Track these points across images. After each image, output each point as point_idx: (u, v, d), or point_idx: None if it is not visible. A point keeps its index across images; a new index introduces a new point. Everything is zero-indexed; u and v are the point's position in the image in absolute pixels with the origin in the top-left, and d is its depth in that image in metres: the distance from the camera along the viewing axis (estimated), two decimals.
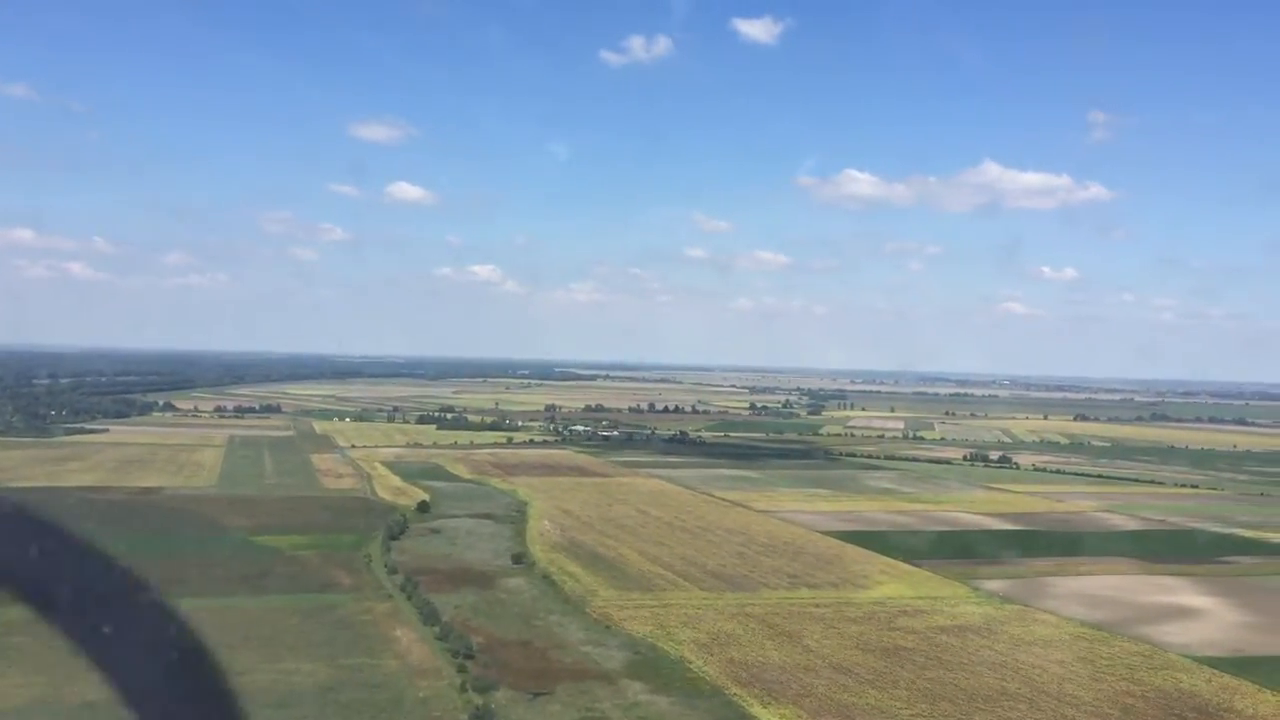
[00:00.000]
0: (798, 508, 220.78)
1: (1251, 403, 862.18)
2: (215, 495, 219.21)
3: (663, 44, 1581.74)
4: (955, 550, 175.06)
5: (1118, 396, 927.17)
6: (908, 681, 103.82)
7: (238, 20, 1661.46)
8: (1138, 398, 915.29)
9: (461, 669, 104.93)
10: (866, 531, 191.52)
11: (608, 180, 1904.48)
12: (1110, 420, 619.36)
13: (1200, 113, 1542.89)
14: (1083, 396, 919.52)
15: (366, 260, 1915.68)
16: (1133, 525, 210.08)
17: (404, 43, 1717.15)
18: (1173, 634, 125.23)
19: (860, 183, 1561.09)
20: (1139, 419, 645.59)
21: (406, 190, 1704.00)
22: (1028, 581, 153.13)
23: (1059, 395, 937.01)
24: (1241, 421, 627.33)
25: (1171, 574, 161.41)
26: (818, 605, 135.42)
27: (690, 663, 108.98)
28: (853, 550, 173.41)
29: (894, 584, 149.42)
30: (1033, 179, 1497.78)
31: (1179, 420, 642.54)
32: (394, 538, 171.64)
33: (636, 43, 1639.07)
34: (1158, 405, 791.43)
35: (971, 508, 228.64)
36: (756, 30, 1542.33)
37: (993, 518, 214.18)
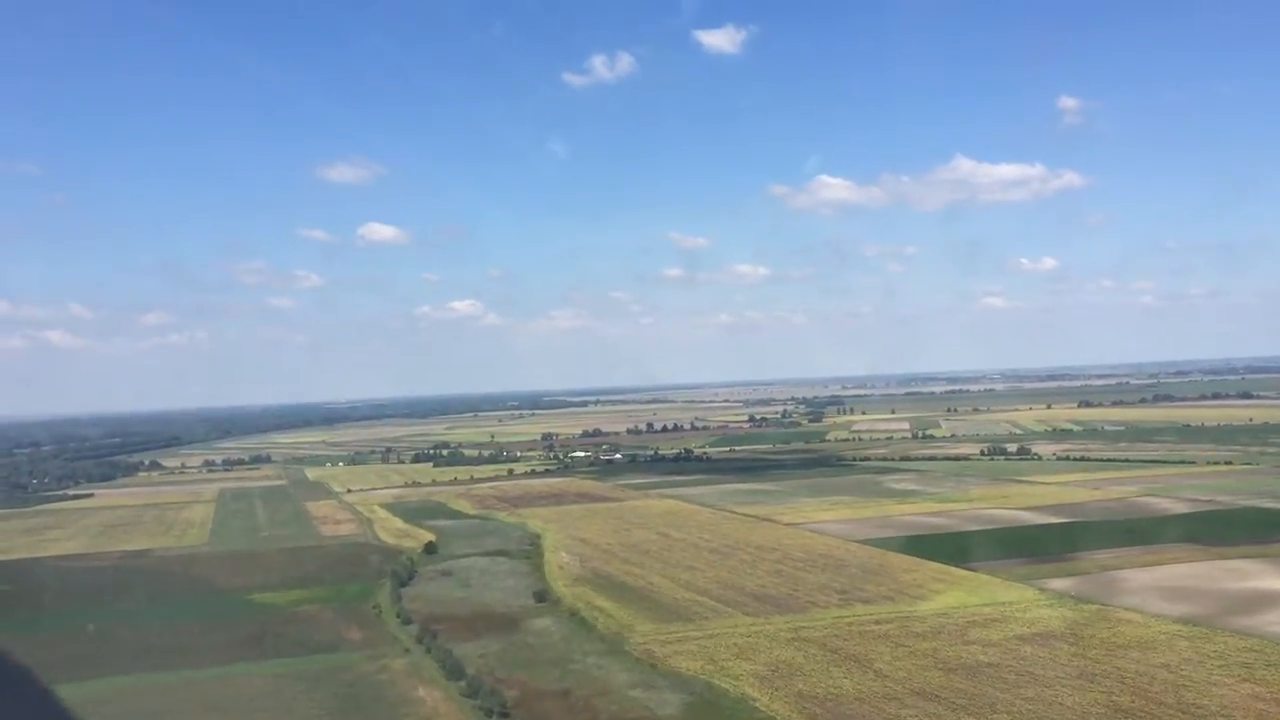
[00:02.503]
0: (825, 518, 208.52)
1: (1247, 376, 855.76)
2: (207, 554, 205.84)
3: (625, 61, 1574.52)
4: (1006, 549, 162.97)
5: (1113, 381, 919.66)
6: (1006, 705, 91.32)
7: (190, 69, 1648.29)
8: (1133, 381, 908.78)
9: None
10: (906, 537, 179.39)
11: (581, 205, 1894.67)
12: (1114, 404, 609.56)
13: (1170, 92, 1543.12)
14: (1078, 384, 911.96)
15: (344, 304, 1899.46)
16: (1182, 508, 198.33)
17: (364, 83, 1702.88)
18: (1273, 624, 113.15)
19: (833, 188, 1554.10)
20: (1142, 401, 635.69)
21: (379, 230, 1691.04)
22: (1095, 578, 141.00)
23: (1053, 385, 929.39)
24: (1246, 395, 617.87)
25: (1243, 557, 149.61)
26: (878, 622, 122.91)
27: (755, 701, 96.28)
28: (897, 559, 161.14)
29: (953, 592, 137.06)
30: (1006, 171, 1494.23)
31: (1182, 399, 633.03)
32: (403, 584, 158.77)
33: (598, 62, 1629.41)
34: (1155, 386, 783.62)
35: (1007, 503, 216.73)
36: (719, 40, 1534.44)
37: (1033, 512, 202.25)
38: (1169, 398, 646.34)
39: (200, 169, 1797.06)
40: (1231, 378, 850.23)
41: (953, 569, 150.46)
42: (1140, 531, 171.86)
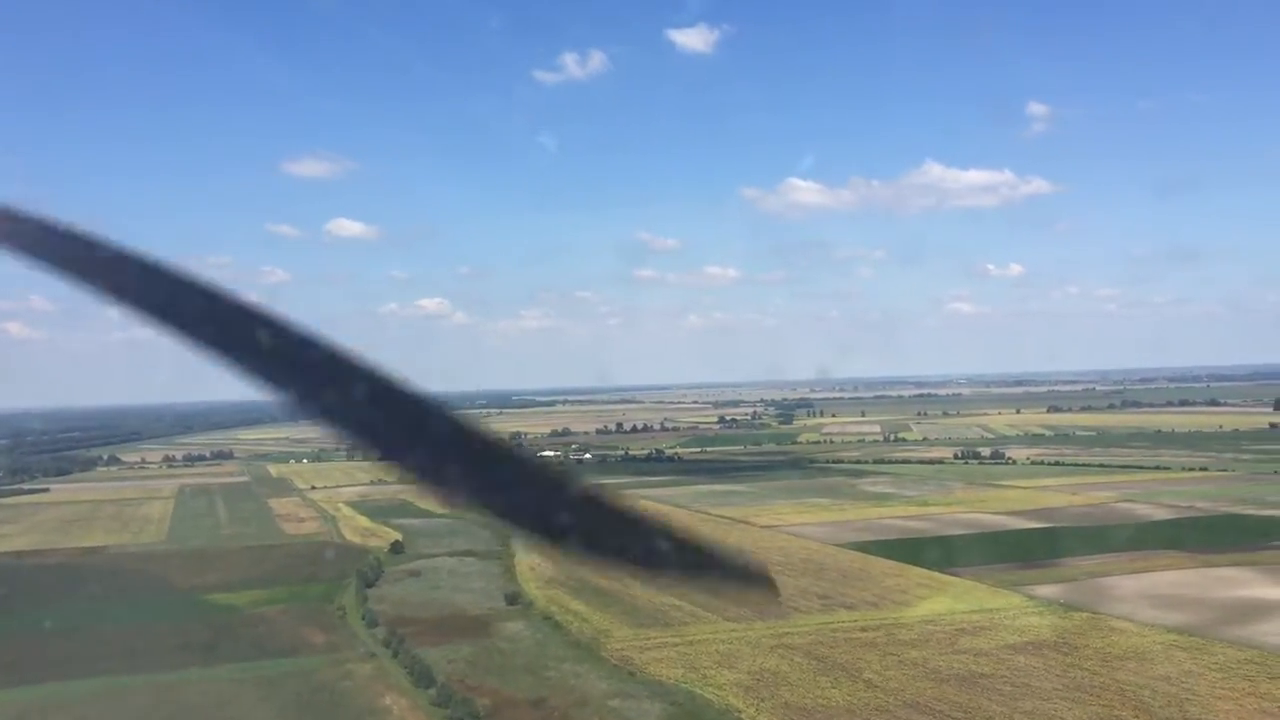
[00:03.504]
0: (802, 520, 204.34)
1: (1212, 384, 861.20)
2: (165, 551, 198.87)
3: (597, 59, 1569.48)
4: (989, 555, 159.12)
5: (1079, 387, 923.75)
6: (1003, 718, 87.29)
7: (156, 60, 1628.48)
8: (1099, 387, 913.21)
9: None
10: (885, 541, 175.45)
11: (552, 203, 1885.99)
12: (1083, 410, 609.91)
13: (1140, 100, 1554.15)
14: (1044, 389, 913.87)
15: (310, 301, 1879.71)
16: (1162, 514, 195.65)
17: (333, 78, 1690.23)
18: (1273, 634, 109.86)
19: (804, 191, 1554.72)
20: (1111, 406, 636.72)
21: (347, 226, 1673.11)
22: (1082, 584, 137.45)
23: (1020, 390, 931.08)
24: (1213, 402, 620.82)
25: (1231, 564, 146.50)
26: (863, 629, 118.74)
27: (740, 713, 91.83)
28: (879, 563, 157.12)
29: (938, 598, 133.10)
30: (975, 177, 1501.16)
31: (1150, 405, 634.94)
32: (369, 585, 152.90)
33: (570, 60, 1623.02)
34: (1122, 392, 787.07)
35: (986, 507, 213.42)
36: (692, 39, 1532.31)
37: (1013, 516, 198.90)
38: (1137, 404, 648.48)
39: (167, 162, 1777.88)
40: (1197, 385, 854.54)
41: (936, 574, 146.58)
42: (1124, 538, 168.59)
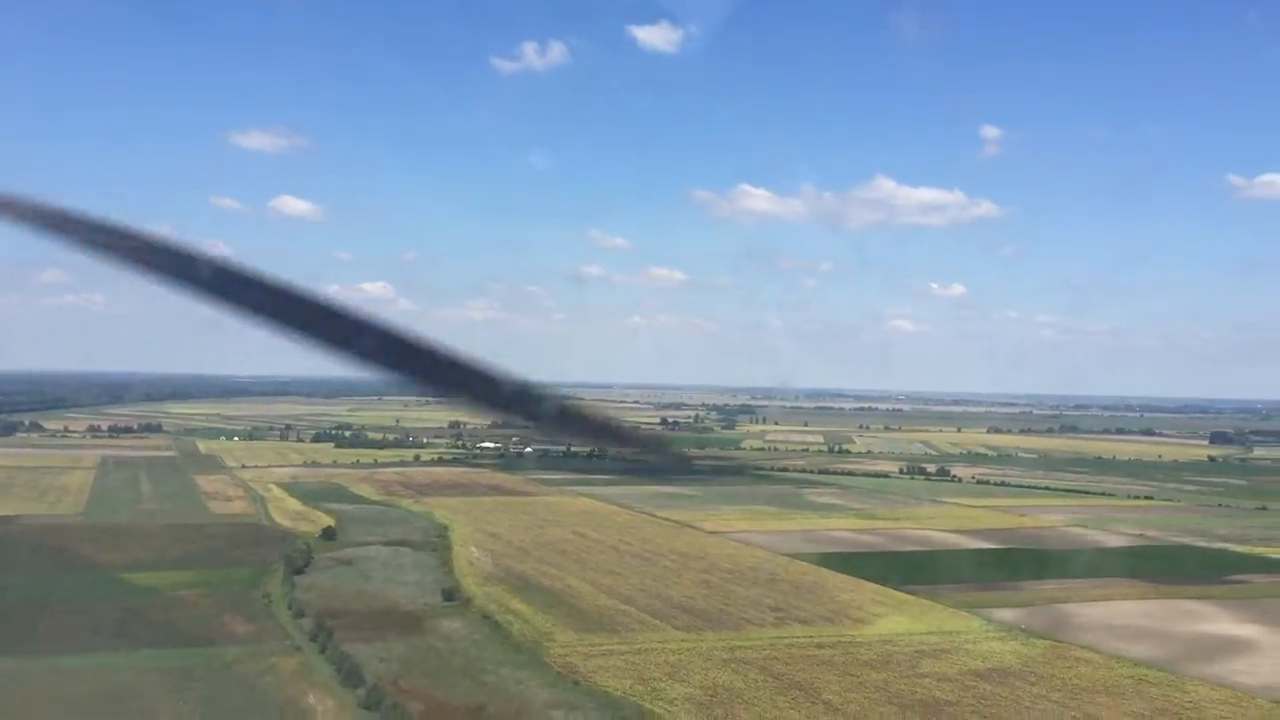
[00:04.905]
0: (750, 528, 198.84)
1: (1145, 414, 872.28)
2: (81, 524, 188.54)
3: (557, 50, 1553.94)
4: (943, 574, 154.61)
5: (1015, 410, 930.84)
6: None
7: (99, 23, 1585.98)
8: (1035, 411, 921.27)
9: None
10: (837, 554, 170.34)
11: (501, 194, 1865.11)
12: (1022, 432, 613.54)
13: (1093, 128, 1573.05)
14: (982, 410, 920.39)
15: None
16: (1115, 541, 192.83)
17: (284, 50, 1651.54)
18: (1242, 674, 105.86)
19: (755, 198, 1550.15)
20: (1049, 431, 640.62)
21: (292, 204, 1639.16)
22: (1041, 610, 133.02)
23: (959, 409, 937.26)
24: (1148, 432, 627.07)
25: (1190, 597, 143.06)
26: (819, 646, 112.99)
27: None
28: (831, 576, 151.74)
29: (895, 616, 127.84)
30: (926, 195, 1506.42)
31: (1088, 432, 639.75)
32: (297, 571, 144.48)
33: (529, 49, 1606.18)
34: (1058, 418, 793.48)
35: (936, 524, 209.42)
36: (654, 37, 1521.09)
37: (965, 535, 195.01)
38: (1075, 429, 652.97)
39: (107, 127, 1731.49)
40: (1130, 415, 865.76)
41: (892, 591, 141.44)
42: (1078, 563, 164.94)
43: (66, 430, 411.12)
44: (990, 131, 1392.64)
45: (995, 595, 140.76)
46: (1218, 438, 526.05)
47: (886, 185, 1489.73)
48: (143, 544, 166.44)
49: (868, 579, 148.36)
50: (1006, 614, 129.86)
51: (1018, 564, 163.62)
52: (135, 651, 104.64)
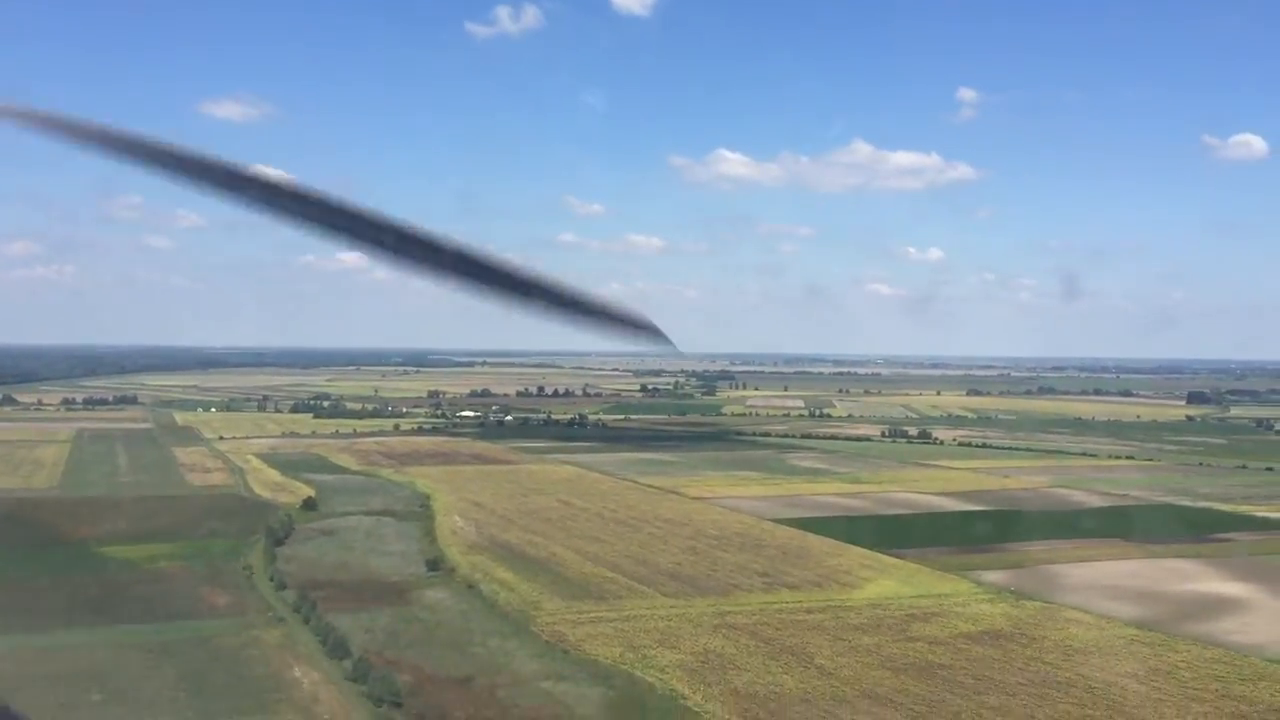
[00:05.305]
0: (734, 493, 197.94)
1: (1121, 376, 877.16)
2: (56, 498, 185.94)
3: (531, 14, 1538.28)
4: (929, 536, 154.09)
5: (993, 372, 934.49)
6: (970, 714, 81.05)
7: None
8: (1013, 373, 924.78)
9: None
10: (821, 518, 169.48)
11: (476, 160, 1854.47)
12: (1001, 394, 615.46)
13: (1068, 91, 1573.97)
14: (960, 373, 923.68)
15: (224, 248, 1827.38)
16: (1098, 502, 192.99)
17: (255, 18, 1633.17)
18: (1234, 632, 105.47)
19: (732, 163, 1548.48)
20: (1028, 393, 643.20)
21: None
22: (1030, 571, 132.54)
23: (936, 372, 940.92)
24: (1126, 393, 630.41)
25: (1177, 556, 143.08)
26: (809, 611, 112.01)
27: (686, 699, 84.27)
28: (817, 541, 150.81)
29: (883, 580, 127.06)
30: (903, 158, 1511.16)
31: (1066, 393, 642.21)
32: (279, 543, 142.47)
33: (503, 13, 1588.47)
34: (1036, 379, 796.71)
35: (918, 487, 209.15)
36: (629, 1, 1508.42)
37: (948, 497, 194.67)
38: (1053, 391, 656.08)
39: (74, 93, 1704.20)
40: (1107, 376, 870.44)
41: (879, 555, 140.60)
42: (1064, 524, 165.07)
43: (40, 403, 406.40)
44: (967, 94, 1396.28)
45: (983, 558, 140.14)
46: (1195, 397, 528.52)
47: (863, 149, 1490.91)
48: (120, 517, 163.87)
49: (854, 543, 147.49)
50: (995, 576, 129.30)
51: (1004, 526, 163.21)
52: (113, 627, 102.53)
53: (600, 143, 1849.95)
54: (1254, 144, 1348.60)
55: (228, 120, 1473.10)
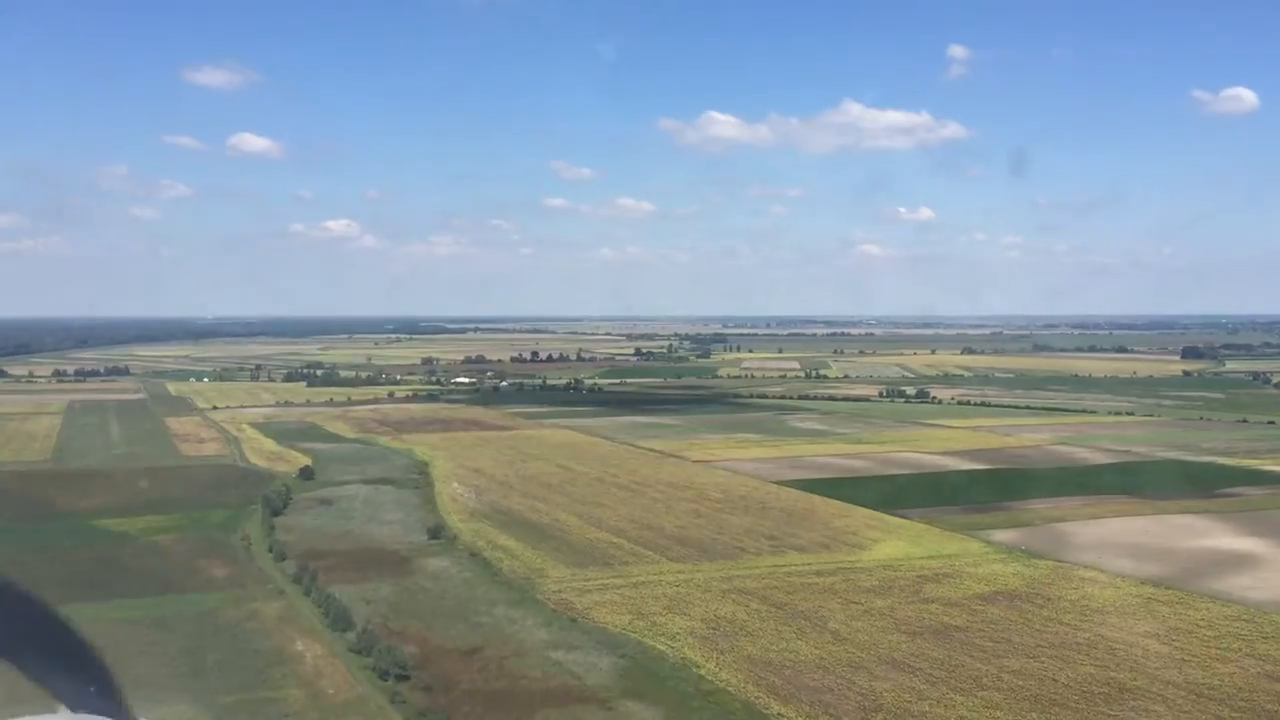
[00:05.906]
0: (735, 456, 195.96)
1: (1114, 332, 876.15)
2: (50, 470, 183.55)
3: None
4: (936, 496, 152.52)
5: (986, 331, 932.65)
6: (991, 678, 79.20)
7: None
8: (1006, 331, 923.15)
9: (396, 698, 76.32)
10: (826, 480, 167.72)
11: (464, 126, 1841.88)
12: (995, 353, 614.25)
13: (1056, 47, 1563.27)
14: (953, 332, 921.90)
15: (213, 217, 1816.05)
16: (1101, 458, 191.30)
17: None
18: (1251, 589, 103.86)
19: (722, 125, 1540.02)
20: (1022, 350, 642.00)
21: (251, 141, 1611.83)
22: (1039, 530, 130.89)
23: (930, 332, 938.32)
24: (1121, 349, 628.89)
25: (1185, 512, 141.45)
26: (819, 574, 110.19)
27: (699, 667, 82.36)
28: (823, 503, 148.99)
29: (892, 541, 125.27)
30: (893, 117, 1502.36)
31: (1060, 350, 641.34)
32: (276, 513, 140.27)
33: None
34: (1029, 337, 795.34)
35: (921, 446, 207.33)
36: None
37: (952, 457, 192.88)
38: (1048, 348, 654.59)
39: (57, 64, 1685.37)
40: (1099, 333, 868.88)
41: (884, 516, 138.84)
42: (1070, 482, 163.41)
43: (31, 375, 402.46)
44: (957, 51, 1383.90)
45: (990, 517, 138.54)
46: (1190, 353, 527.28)
47: (854, 109, 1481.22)
48: (114, 488, 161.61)
49: (860, 504, 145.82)
50: (1004, 535, 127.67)
51: (1009, 484, 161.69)
52: (110, 601, 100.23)
53: (587, 105, 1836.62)
54: (1245, 97, 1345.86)
55: (213, 88, 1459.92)
